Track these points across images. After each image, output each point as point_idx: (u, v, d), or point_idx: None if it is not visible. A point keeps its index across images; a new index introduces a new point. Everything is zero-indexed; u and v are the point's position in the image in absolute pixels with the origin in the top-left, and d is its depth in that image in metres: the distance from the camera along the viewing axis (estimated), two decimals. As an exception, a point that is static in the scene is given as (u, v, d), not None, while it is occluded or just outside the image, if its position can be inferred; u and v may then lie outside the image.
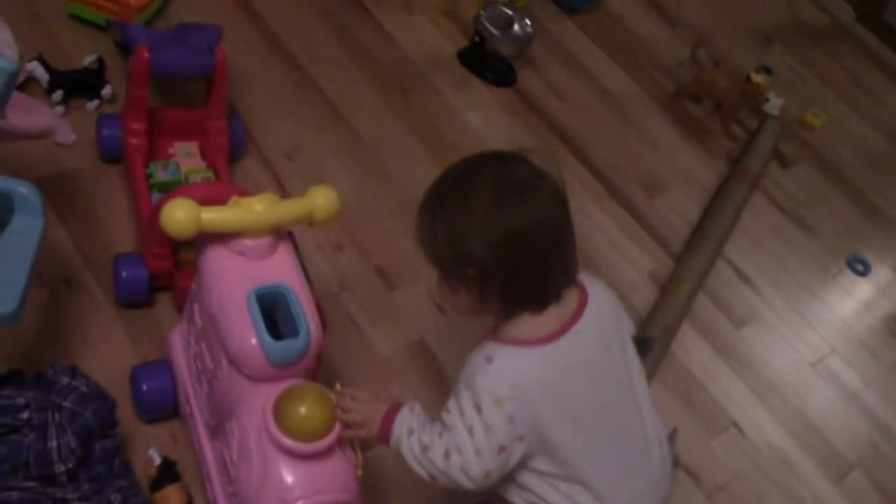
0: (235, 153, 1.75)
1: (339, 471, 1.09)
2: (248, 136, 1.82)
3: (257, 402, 1.10)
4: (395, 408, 1.15)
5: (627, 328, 1.20)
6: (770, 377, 1.89)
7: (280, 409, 1.06)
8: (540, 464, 1.11)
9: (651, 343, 1.75)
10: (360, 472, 1.11)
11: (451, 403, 1.09)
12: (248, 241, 1.16)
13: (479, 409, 1.06)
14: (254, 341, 1.09)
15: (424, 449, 1.09)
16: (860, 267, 2.23)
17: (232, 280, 1.14)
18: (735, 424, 1.77)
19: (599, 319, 1.14)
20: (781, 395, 1.87)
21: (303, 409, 1.05)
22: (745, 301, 2.03)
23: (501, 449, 1.06)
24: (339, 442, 1.10)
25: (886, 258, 2.30)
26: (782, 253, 2.18)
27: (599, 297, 1.15)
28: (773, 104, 2.43)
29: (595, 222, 2.03)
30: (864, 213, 2.39)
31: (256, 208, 1.15)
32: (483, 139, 2.06)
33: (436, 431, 1.10)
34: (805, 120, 2.55)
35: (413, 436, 1.11)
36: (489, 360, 1.07)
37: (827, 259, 2.23)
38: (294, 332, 1.11)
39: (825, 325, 2.06)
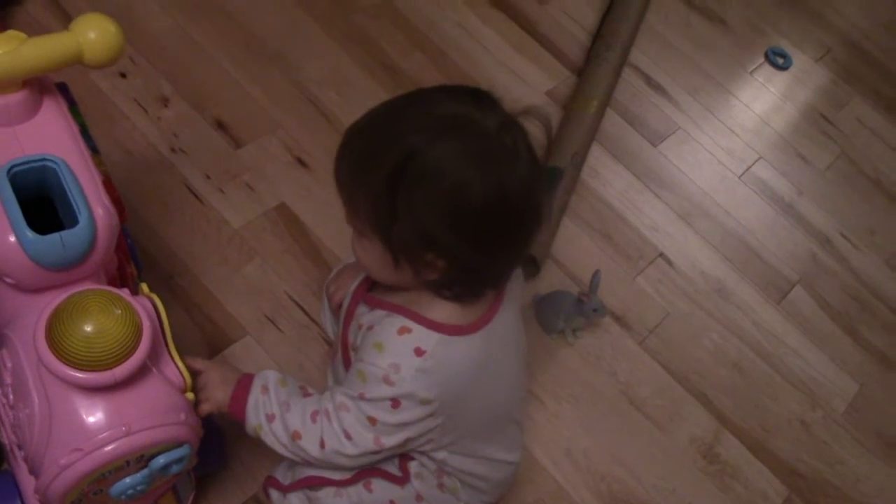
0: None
1: (156, 398, 0.79)
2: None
3: (32, 320, 0.79)
4: (243, 386, 0.91)
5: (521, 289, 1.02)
6: (696, 196, 1.65)
7: (55, 329, 0.75)
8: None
9: (560, 174, 1.47)
10: (190, 395, 0.82)
11: (350, 382, 0.89)
12: (-10, 99, 0.81)
13: (396, 404, 0.86)
14: (11, 238, 0.77)
15: (294, 437, 0.89)
16: (780, 60, 1.98)
17: (-29, 155, 0.81)
18: (662, 255, 1.53)
19: (511, 293, 0.95)
20: (710, 215, 1.64)
21: (88, 327, 0.74)
22: (659, 113, 1.76)
23: (408, 440, 0.90)
24: (154, 359, 0.80)
25: (806, 47, 2.06)
26: (695, 54, 1.91)
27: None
28: None
29: (479, 40, 1.71)
30: (776, 0, 2.13)
31: (-8, 51, 0.80)
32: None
33: (307, 412, 0.89)
34: None
35: (275, 422, 0.89)
36: (419, 352, 0.85)
37: (744, 55, 1.97)
38: (75, 222, 0.79)
39: (749, 131, 1.82)
